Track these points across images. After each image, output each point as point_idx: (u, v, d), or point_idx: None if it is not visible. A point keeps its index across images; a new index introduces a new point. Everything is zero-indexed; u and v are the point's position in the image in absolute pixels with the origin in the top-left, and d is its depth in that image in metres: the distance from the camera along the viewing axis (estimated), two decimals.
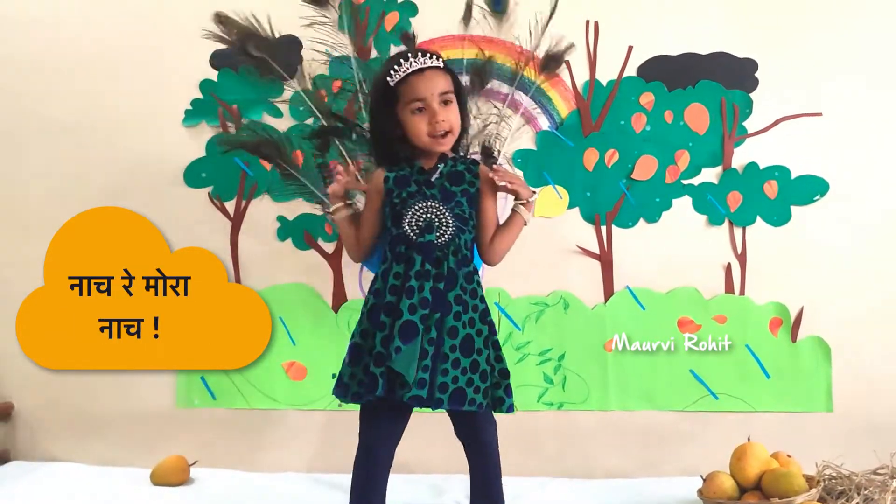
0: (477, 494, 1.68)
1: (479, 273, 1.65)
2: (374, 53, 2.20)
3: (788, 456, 1.84)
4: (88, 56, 2.23)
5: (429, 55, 1.57)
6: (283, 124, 2.20)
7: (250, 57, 2.12)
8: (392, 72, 1.57)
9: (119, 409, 2.21)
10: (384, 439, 1.61)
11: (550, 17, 2.10)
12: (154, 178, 2.20)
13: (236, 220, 2.21)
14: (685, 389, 2.17)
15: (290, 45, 2.18)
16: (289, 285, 2.21)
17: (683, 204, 2.19)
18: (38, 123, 2.24)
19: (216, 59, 2.21)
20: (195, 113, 2.21)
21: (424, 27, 2.18)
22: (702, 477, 1.81)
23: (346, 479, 2.08)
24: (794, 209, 2.17)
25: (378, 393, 1.49)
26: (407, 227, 1.57)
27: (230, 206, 2.21)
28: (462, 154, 1.75)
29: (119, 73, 2.22)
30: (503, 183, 1.60)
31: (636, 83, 2.18)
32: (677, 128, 2.19)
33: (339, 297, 2.20)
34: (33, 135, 2.24)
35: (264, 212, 2.21)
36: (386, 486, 1.63)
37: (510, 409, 1.57)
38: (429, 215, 1.57)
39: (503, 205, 1.72)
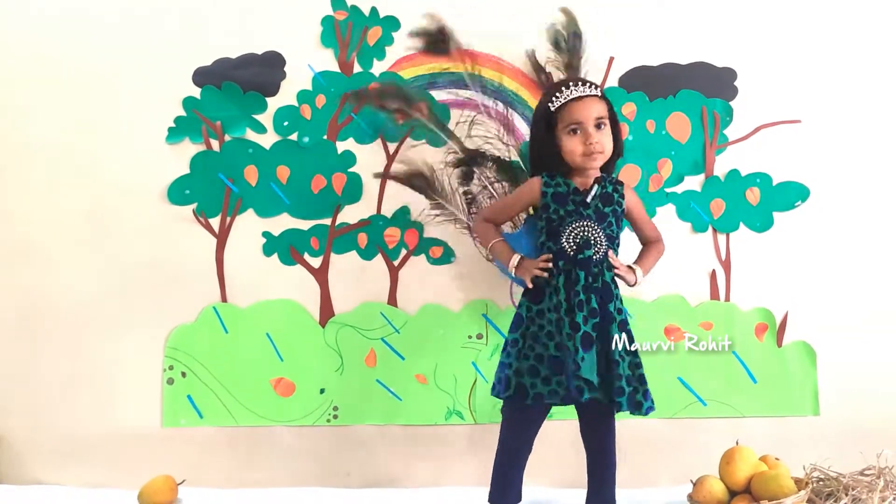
0: (593, 495, 1.81)
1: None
2: (356, 68, 2.21)
3: (777, 459, 1.85)
4: (70, 73, 2.22)
5: (588, 84, 1.73)
6: (267, 140, 2.20)
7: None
8: (554, 98, 1.73)
9: (105, 430, 2.18)
10: (529, 442, 1.77)
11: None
12: (137, 196, 2.20)
13: (221, 237, 2.21)
14: (673, 396, 2.17)
15: (274, 61, 2.20)
16: (275, 301, 2.20)
17: (667, 212, 2.20)
18: (18, 141, 2.22)
19: (199, 77, 2.21)
20: (178, 130, 2.21)
21: (406, 41, 2.19)
22: (691, 481, 1.81)
23: (336, 495, 2.09)
24: (777, 215, 2.20)
25: (585, 397, 1.64)
26: (565, 244, 1.73)
27: (215, 222, 2.21)
28: (613, 177, 1.86)
29: (101, 90, 2.21)
30: (615, 270, 1.77)
31: (618, 93, 2.20)
32: (659, 137, 2.21)
33: (327, 313, 2.20)
34: (14, 153, 2.23)
35: (250, 228, 2.20)
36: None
37: (648, 411, 1.70)
38: (585, 234, 1.73)
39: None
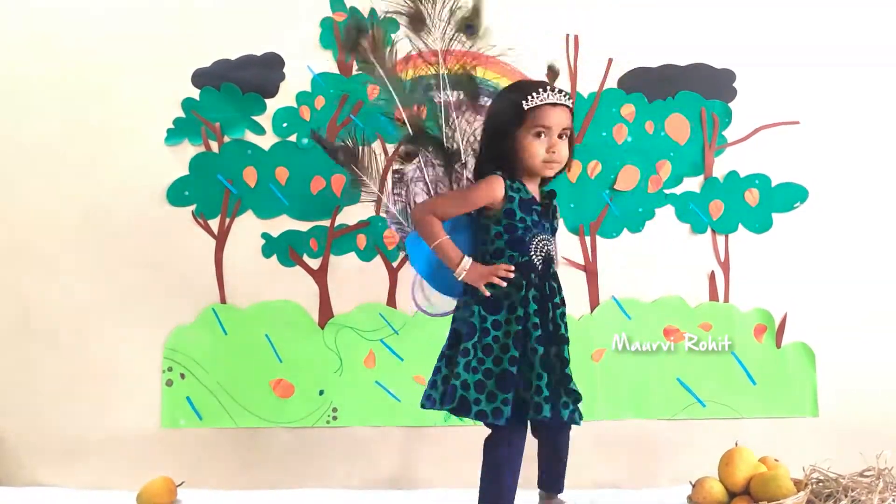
0: (548, 485, 1.80)
1: None
2: (355, 70, 2.21)
3: (776, 460, 1.85)
4: (69, 75, 2.22)
5: (565, 94, 1.68)
6: (266, 141, 2.20)
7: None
8: (530, 97, 1.65)
9: (104, 431, 2.18)
10: (518, 456, 1.66)
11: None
12: (137, 197, 2.20)
13: (220, 238, 2.21)
14: (672, 398, 2.18)
15: (273, 62, 2.20)
16: (274, 302, 2.20)
17: (666, 213, 2.21)
18: (17, 142, 2.23)
19: (198, 78, 2.21)
20: (177, 132, 2.21)
21: (405, 43, 2.19)
22: (691, 483, 1.81)
23: (336, 496, 2.09)
24: (776, 216, 2.20)
25: (543, 415, 1.56)
26: (534, 257, 1.66)
27: (214, 223, 2.21)
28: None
29: (100, 92, 2.22)
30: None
31: (617, 95, 2.21)
32: (658, 138, 2.21)
33: (326, 314, 2.20)
34: (13, 154, 2.23)
35: (249, 229, 2.20)
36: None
37: (571, 421, 1.64)
38: (548, 248, 1.69)
39: None
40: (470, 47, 1.92)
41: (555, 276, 1.69)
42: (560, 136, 1.67)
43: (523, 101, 1.66)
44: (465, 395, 1.58)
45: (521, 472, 1.63)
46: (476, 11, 1.91)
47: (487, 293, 1.62)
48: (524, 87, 1.69)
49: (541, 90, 1.66)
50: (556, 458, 1.77)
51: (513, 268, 1.63)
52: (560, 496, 1.79)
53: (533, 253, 1.65)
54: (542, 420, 1.57)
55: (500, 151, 1.70)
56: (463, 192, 1.76)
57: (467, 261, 1.65)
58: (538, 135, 1.66)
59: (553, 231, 1.73)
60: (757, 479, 1.75)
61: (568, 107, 1.69)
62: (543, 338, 1.61)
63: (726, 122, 2.21)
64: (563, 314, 1.68)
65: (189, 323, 2.19)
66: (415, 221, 1.76)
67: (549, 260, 1.68)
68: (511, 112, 1.67)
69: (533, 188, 1.71)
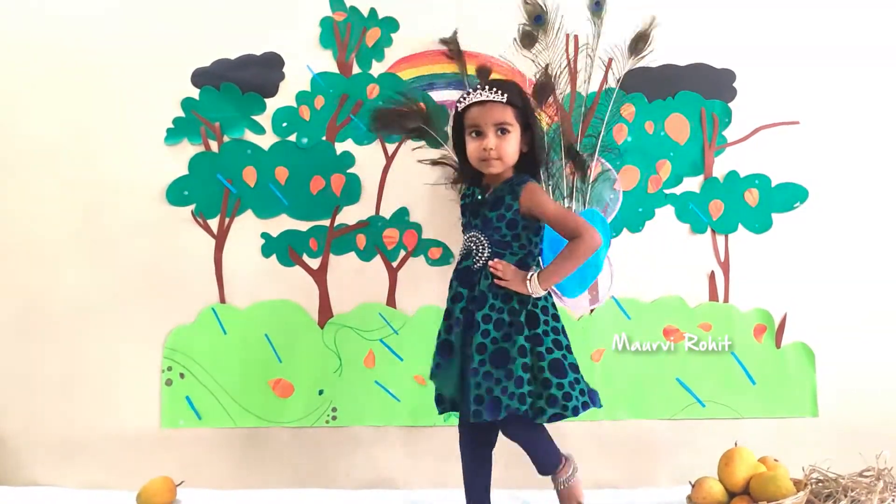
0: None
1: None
2: (355, 70, 2.21)
3: (776, 460, 1.85)
4: (69, 74, 2.22)
5: (493, 89, 1.71)
6: (265, 141, 2.20)
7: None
8: (461, 100, 1.76)
9: (103, 431, 2.18)
10: (468, 447, 1.81)
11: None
12: (136, 197, 2.19)
13: (220, 238, 2.20)
14: (672, 398, 2.17)
15: (272, 62, 2.20)
16: (274, 302, 2.20)
17: (666, 213, 2.21)
18: (16, 142, 2.22)
19: (197, 77, 2.21)
20: (177, 131, 2.21)
21: (405, 43, 2.19)
22: (690, 483, 1.81)
23: (335, 496, 2.09)
24: (775, 216, 2.20)
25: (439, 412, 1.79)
26: (457, 256, 1.79)
27: (213, 223, 2.21)
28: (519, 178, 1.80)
29: (100, 91, 2.21)
30: (499, 278, 1.70)
31: (617, 95, 2.20)
32: (658, 138, 2.21)
33: (325, 314, 2.19)
34: (12, 153, 2.22)
35: (248, 228, 2.20)
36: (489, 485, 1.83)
37: (553, 418, 1.67)
38: (469, 244, 1.76)
39: None
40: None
41: (464, 272, 1.74)
42: (502, 132, 1.72)
43: (457, 106, 1.77)
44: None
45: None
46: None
47: None
48: (461, 96, 1.79)
49: (471, 91, 1.74)
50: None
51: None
52: (557, 473, 1.78)
53: (458, 252, 1.79)
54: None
55: (459, 158, 1.84)
56: None
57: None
58: (476, 134, 1.74)
59: (486, 224, 1.74)
60: (756, 480, 1.76)
61: (501, 102, 1.71)
62: (438, 334, 1.76)
63: (726, 122, 2.21)
64: (482, 306, 1.69)
65: (188, 323, 2.19)
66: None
67: (465, 256, 1.76)
68: (455, 120, 1.81)
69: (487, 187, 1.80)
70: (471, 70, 2.16)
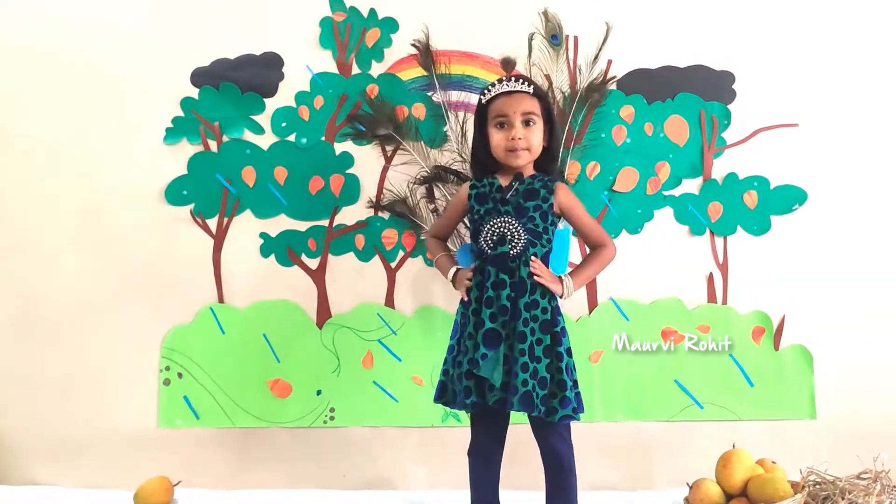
0: (548, 500, 1.73)
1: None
2: (355, 70, 2.21)
3: (773, 462, 1.85)
4: (68, 74, 2.22)
5: (520, 80, 1.72)
6: (264, 141, 2.20)
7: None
8: (486, 92, 1.74)
9: (101, 430, 2.18)
10: (488, 443, 1.76)
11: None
12: (135, 196, 2.20)
13: (219, 238, 2.21)
14: (670, 399, 2.17)
15: (272, 62, 2.20)
16: (272, 302, 2.20)
17: (665, 215, 2.21)
18: (15, 141, 2.23)
19: (197, 77, 2.21)
20: (176, 131, 2.21)
21: (404, 43, 2.20)
22: (688, 484, 1.81)
23: (332, 496, 2.09)
24: (774, 218, 2.20)
25: (470, 400, 1.64)
26: (483, 242, 1.71)
27: (212, 223, 2.21)
28: (549, 175, 1.80)
29: (99, 91, 2.22)
30: (536, 277, 1.68)
31: (616, 96, 2.21)
32: (657, 140, 2.21)
33: (324, 314, 2.20)
34: (11, 153, 2.23)
35: (247, 228, 2.20)
36: (497, 486, 1.79)
37: (564, 419, 1.62)
38: (502, 229, 1.69)
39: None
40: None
41: (500, 258, 1.67)
42: (527, 123, 1.71)
43: (481, 98, 1.76)
44: (454, 389, 1.71)
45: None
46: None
47: (465, 297, 1.72)
48: (486, 87, 1.77)
49: (496, 83, 1.74)
50: None
51: (473, 267, 1.72)
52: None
53: (482, 239, 1.71)
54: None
55: (477, 151, 1.80)
56: (445, 210, 1.93)
57: (453, 270, 1.78)
58: (500, 125, 1.72)
59: (520, 212, 1.70)
60: (754, 482, 1.76)
61: (528, 93, 1.71)
62: (477, 322, 1.67)
63: (725, 124, 2.21)
64: (523, 293, 1.65)
65: (187, 322, 2.19)
66: (425, 245, 1.98)
67: (499, 242, 1.68)
68: (477, 111, 1.79)
69: (507, 179, 1.76)
70: (459, 70, 2.18)
